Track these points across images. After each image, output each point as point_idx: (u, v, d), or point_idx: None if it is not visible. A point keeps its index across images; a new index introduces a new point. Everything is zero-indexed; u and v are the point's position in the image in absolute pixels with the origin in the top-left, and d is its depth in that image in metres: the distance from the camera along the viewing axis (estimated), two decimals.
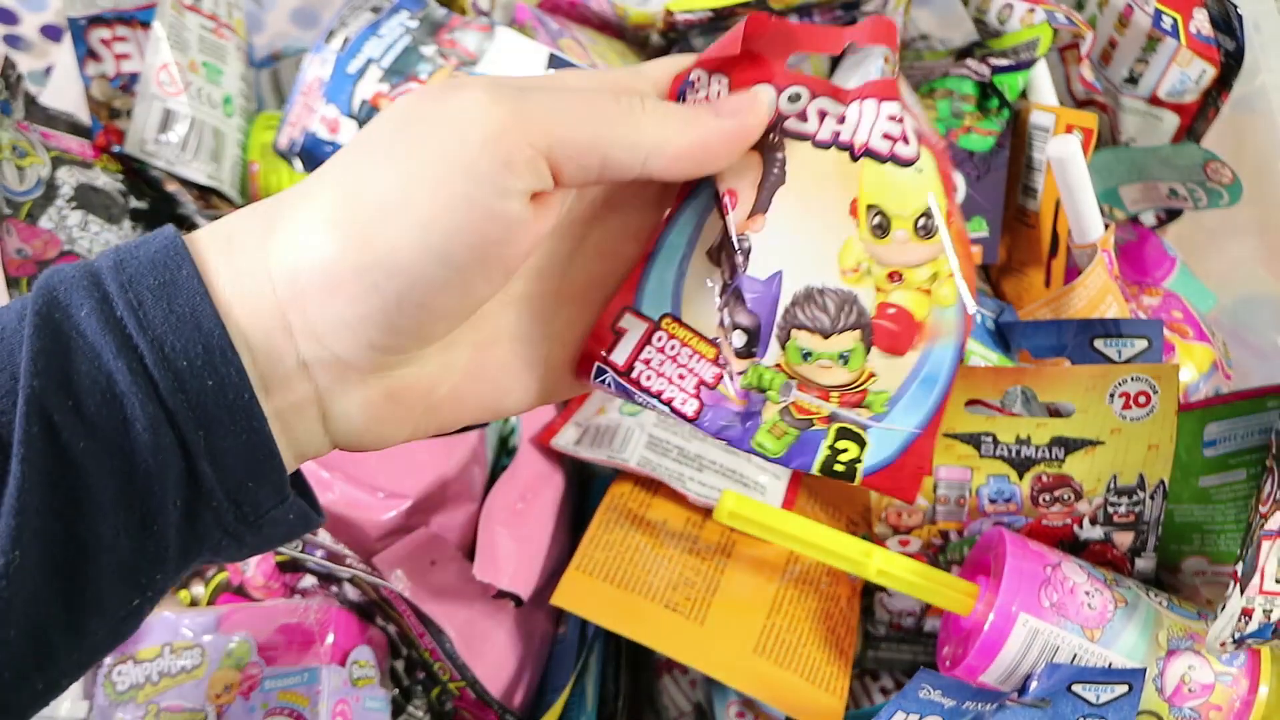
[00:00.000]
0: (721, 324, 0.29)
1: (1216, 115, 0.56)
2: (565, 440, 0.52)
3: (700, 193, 0.29)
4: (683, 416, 0.29)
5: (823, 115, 0.28)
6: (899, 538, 0.50)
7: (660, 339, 0.29)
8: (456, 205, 0.24)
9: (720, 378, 0.29)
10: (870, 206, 0.27)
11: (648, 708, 0.52)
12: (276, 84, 0.70)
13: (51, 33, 0.67)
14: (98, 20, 0.58)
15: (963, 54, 0.60)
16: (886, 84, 0.27)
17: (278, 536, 0.28)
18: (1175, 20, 0.53)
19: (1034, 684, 0.40)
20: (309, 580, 0.46)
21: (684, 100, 0.28)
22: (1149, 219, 0.60)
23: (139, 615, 0.26)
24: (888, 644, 0.53)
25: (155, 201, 0.58)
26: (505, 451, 0.55)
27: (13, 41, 0.67)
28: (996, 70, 0.55)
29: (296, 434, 0.27)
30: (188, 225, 0.59)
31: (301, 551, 0.45)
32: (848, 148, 0.27)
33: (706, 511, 0.49)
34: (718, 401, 0.29)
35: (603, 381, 0.30)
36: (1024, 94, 0.56)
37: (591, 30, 0.62)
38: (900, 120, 0.27)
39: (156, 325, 0.24)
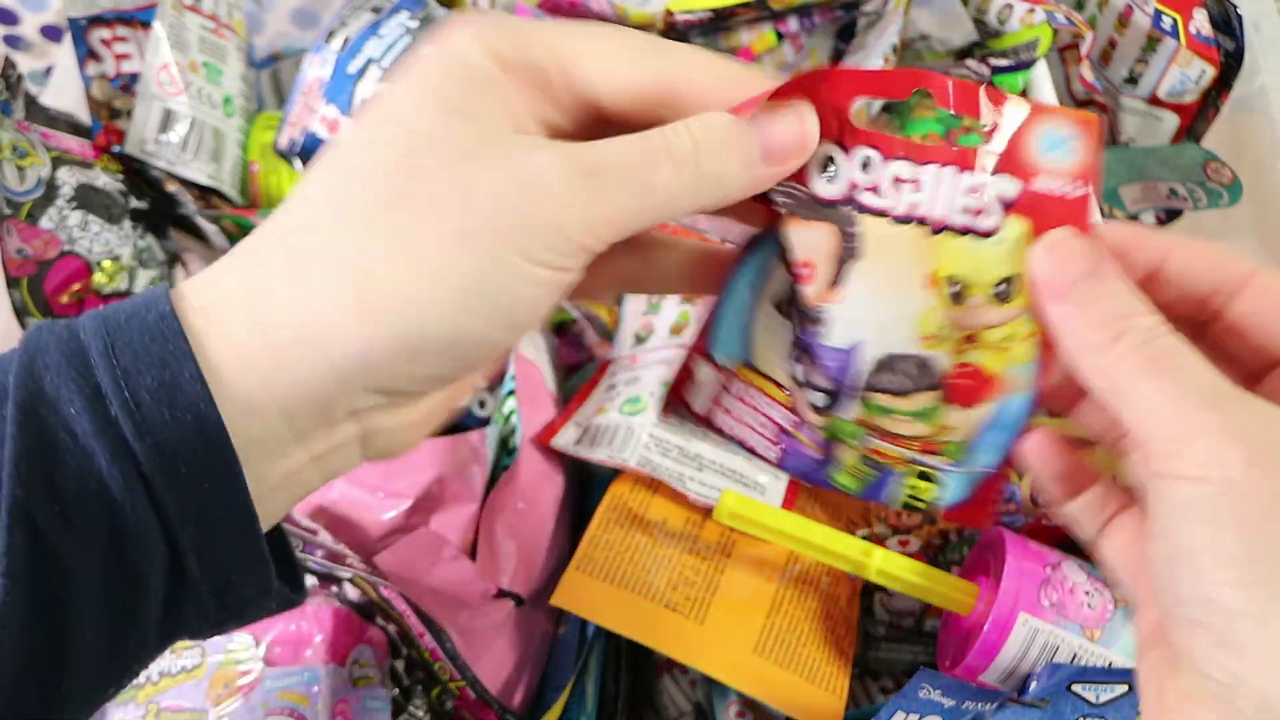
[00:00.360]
0: (793, 375, 0.29)
1: (1216, 115, 0.56)
2: (565, 440, 0.52)
3: (764, 244, 0.29)
4: (765, 460, 0.30)
5: (897, 183, 0.27)
6: (899, 538, 0.50)
7: (737, 387, 0.30)
8: (511, 284, 0.24)
9: (797, 425, 0.30)
10: (948, 278, 0.27)
11: (648, 708, 0.52)
12: (276, 84, 0.70)
13: (51, 33, 0.67)
14: (98, 20, 0.58)
15: (962, 54, 0.60)
16: (964, 154, 0.26)
17: (256, 618, 0.27)
18: (1175, 20, 0.53)
19: (1034, 684, 0.40)
20: (309, 580, 0.46)
21: None
22: (1149, 219, 0.60)
23: (110, 699, 0.26)
24: (888, 644, 0.53)
25: (155, 201, 0.58)
26: (505, 451, 0.55)
27: (13, 42, 0.67)
28: (996, 70, 0.55)
29: (332, 465, 0.27)
30: (188, 225, 0.59)
31: (302, 552, 0.45)
32: (926, 223, 0.27)
33: (706, 511, 0.49)
34: (795, 448, 0.30)
35: (685, 416, 0.30)
36: (1024, 94, 0.56)
37: None
38: (980, 191, 0.26)
39: (156, 430, 0.23)
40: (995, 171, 0.26)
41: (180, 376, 0.23)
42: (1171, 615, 0.23)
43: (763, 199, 0.28)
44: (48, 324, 0.24)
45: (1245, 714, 0.22)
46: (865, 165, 0.27)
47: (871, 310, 0.28)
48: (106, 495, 0.22)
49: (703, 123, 0.25)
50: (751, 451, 0.30)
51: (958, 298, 0.27)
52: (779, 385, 0.30)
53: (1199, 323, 0.26)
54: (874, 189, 0.27)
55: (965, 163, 0.26)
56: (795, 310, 0.29)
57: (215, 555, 0.24)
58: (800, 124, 0.26)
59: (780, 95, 0.26)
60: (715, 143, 0.25)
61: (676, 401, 0.30)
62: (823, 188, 0.27)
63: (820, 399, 0.29)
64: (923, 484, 0.29)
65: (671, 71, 0.25)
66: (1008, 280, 0.27)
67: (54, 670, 0.23)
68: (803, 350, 0.29)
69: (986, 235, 0.26)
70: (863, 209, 0.27)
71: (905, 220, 0.27)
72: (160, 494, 0.23)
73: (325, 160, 0.25)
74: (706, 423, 0.30)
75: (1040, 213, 0.26)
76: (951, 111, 0.27)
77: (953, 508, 0.29)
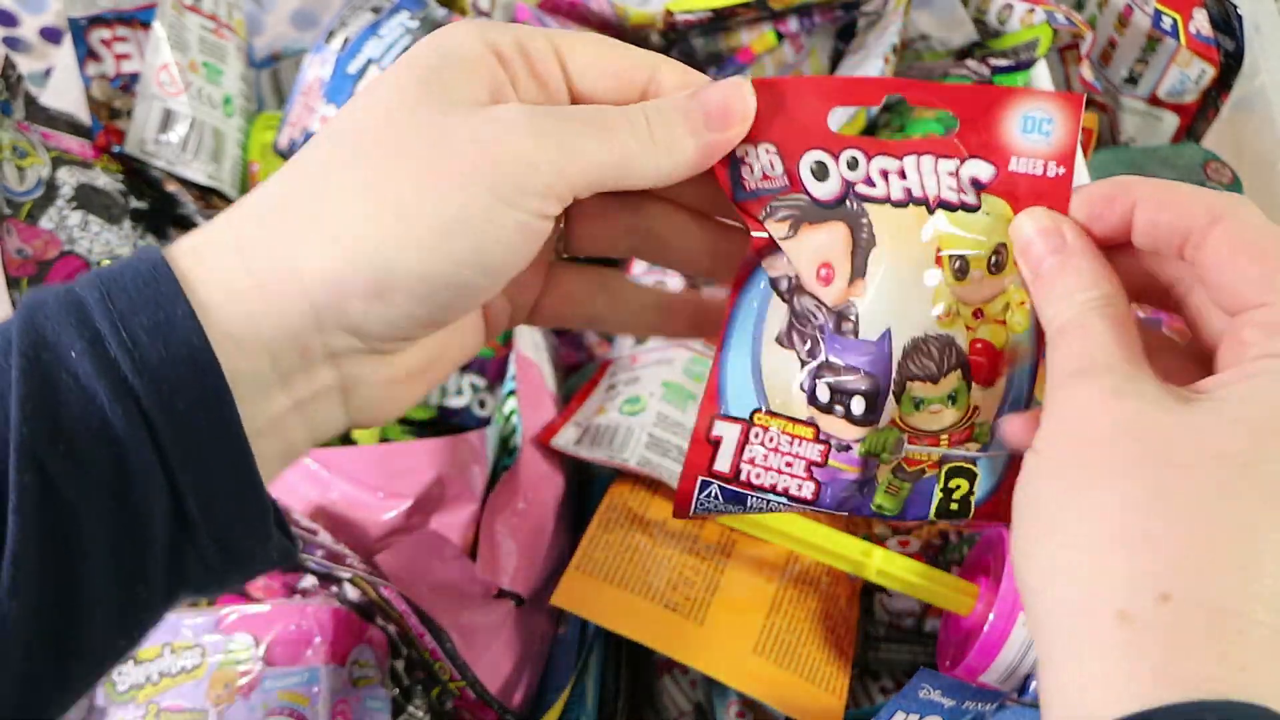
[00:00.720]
0: (814, 402, 0.30)
1: (1216, 115, 0.56)
2: (565, 440, 0.52)
3: (752, 286, 0.30)
4: (802, 502, 0.30)
5: (885, 174, 0.29)
6: (899, 538, 0.50)
7: (758, 434, 0.30)
8: (482, 223, 0.25)
9: (827, 454, 0.30)
10: (950, 254, 0.29)
11: (648, 708, 0.52)
12: (276, 84, 0.70)
13: (51, 35, 0.67)
14: (98, 20, 0.58)
15: (963, 54, 0.60)
16: (936, 142, 0.28)
17: (257, 571, 0.28)
18: (1175, 20, 0.54)
19: (1034, 684, 0.40)
20: (309, 580, 0.46)
21: (738, 178, 0.29)
22: None
23: (124, 656, 0.26)
24: (888, 644, 0.53)
25: (155, 201, 0.58)
26: (505, 451, 0.55)
27: (12, 44, 0.67)
28: (996, 71, 0.55)
29: (316, 419, 0.28)
30: (188, 225, 0.59)
31: (302, 551, 0.45)
32: (923, 202, 0.29)
33: None
34: (832, 477, 0.30)
35: (707, 496, 0.30)
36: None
37: (592, 30, 0.62)
38: (956, 174, 0.28)
39: (153, 366, 0.24)
40: (967, 156, 0.28)
41: (174, 314, 0.24)
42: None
43: (753, 220, 0.29)
44: (43, 287, 0.25)
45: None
46: (852, 164, 0.29)
47: (895, 296, 0.29)
48: (110, 433, 0.23)
49: (653, 101, 0.28)
50: (785, 494, 0.30)
51: (961, 272, 0.29)
52: (800, 421, 0.30)
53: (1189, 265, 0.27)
54: (867, 180, 0.29)
55: (939, 150, 0.28)
56: (797, 334, 0.30)
57: (214, 497, 0.25)
58: (736, 90, 0.28)
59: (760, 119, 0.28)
60: (664, 111, 0.27)
61: (696, 476, 0.30)
62: (819, 189, 0.29)
63: (859, 405, 0.29)
64: (957, 480, 0.30)
65: (645, 69, 0.28)
66: (998, 250, 0.28)
67: (67, 609, 0.24)
68: (823, 366, 0.29)
69: (974, 209, 0.28)
70: (863, 199, 0.29)
71: (904, 203, 0.29)
72: (160, 432, 0.24)
73: (314, 136, 0.27)
74: (735, 479, 0.30)
75: (1018, 192, 0.28)
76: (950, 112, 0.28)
77: (984, 503, 0.30)
